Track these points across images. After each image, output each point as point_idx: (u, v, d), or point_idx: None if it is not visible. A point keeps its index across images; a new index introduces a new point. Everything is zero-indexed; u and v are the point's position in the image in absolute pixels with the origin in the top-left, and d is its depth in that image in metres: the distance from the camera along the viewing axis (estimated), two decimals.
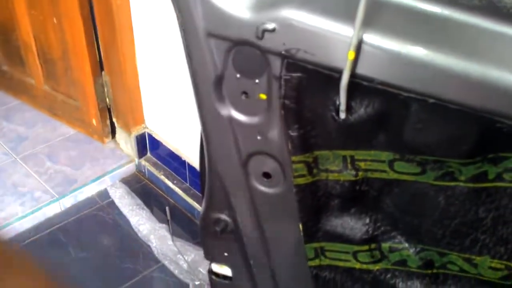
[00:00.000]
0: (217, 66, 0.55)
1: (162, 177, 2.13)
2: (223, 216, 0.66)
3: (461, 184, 0.51)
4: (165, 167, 2.14)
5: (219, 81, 0.55)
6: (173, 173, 2.10)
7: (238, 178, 0.61)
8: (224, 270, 0.77)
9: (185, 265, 1.85)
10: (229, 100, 0.55)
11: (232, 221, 0.66)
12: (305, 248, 0.63)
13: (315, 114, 0.52)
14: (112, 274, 1.83)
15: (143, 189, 2.16)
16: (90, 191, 2.09)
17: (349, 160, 0.55)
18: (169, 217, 1.99)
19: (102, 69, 2.07)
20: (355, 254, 0.61)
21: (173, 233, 1.94)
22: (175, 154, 2.03)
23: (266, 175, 0.59)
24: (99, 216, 2.04)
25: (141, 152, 2.18)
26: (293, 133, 0.54)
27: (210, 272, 0.79)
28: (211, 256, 0.74)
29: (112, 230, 1.98)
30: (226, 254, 0.71)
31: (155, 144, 2.13)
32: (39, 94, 2.33)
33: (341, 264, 0.63)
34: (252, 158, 0.59)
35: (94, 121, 2.19)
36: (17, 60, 2.31)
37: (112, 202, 2.08)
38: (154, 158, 2.19)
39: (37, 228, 1.95)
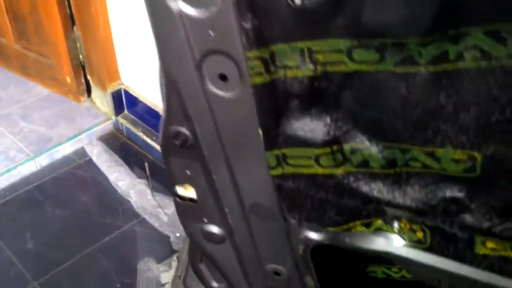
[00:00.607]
0: None
1: (140, 134, 2.10)
2: (183, 130, 0.64)
3: (422, 68, 0.49)
4: (143, 123, 2.10)
5: None
6: (151, 129, 2.07)
7: (193, 83, 0.58)
8: (189, 192, 0.75)
9: (165, 218, 1.84)
10: None
11: (191, 135, 0.64)
12: (267, 156, 0.61)
13: (269, 0, 0.49)
14: (92, 230, 1.81)
15: (122, 147, 2.13)
16: (66, 149, 2.05)
17: (306, 53, 0.52)
18: (148, 173, 1.97)
19: (73, 24, 2.01)
20: (317, 159, 0.60)
21: (153, 188, 1.92)
22: (153, 109, 1.99)
23: (223, 77, 0.57)
24: (76, 174, 2.01)
25: (118, 109, 2.14)
26: (247, 25, 0.51)
27: (175, 195, 0.77)
28: (174, 176, 0.72)
29: (91, 187, 1.96)
30: (188, 172, 0.69)
31: (132, 101, 2.09)
32: (11, 53, 2.26)
33: (303, 171, 0.61)
34: (206, 59, 0.56)
35: (68, 79, 2.14)
36: None
37: (90, 160, 2.05)
38: (131, 115, 2.15)
39: (13, 187, 1.92)
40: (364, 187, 0.60)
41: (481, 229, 0.58)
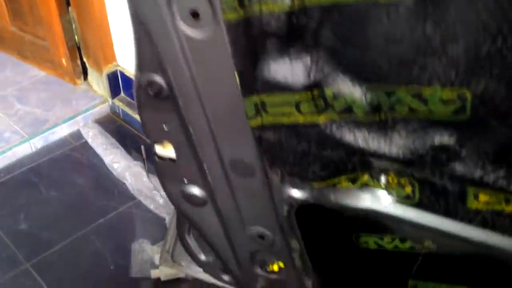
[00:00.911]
0: None
1: (137, 117, 2.06)
2: (156, 78, 0.60)
3: None
4: None
5: None
6: None
7: (164, 23, 0.54)
8: (168, 152, 0.72)
9: (161, 201, 1.81)
10: None
11: (166, 84, 0.60)
12: (245, 105, 0.58)
13: None
14: (86, 211, 1.78)
15: (118, 130, 2.09)
16: (62, 132, 2.02)
17: None
18: (144, 156, 1.94)
19: (68, 4, 1.98)
20: (297, 105, 0.56)
21: (149, 170, 1.89)
22: None
23: (194, 14, 0.53)
24: (72, 157, 1.98)
25: (114, 91, 2.11)
26: None
27: (154, 154, 0.73)
28: (150, 132, 0.69)
29: (86, 170, 1.93)
30: (165, 127, 0.66)
31: (128, 82, 2.06)
32: (7, 35, 2.24)
33: (284, 120, 0.58)
34: None
35: (64, 61, 2.11)
36: None
37: (86, 143, 2.02)
38: (128, 98, 2.11)
39: (7, 169, 1.89)
40: (348, 136, 0.56)
41: (473, 179, 0.54)
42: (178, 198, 0.76)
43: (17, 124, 1.99)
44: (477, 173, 0.53)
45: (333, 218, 0.89)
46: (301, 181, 0.63)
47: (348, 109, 0.55)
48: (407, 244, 0.86)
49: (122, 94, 2.12)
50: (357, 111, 0.54)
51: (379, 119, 0.54)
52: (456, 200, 0.57)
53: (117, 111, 2.13)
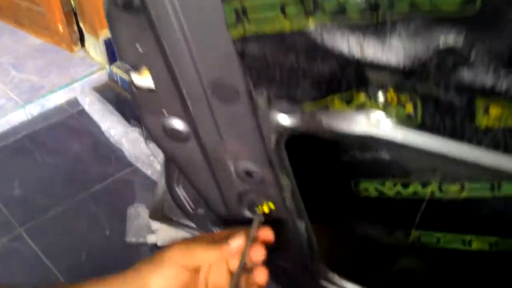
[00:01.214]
0: None
1: None
2: None
3: None
4: None
5: None
6: None
7: None
8: (147, 81, 0.66)
9: (158, 167, 1.76)
10: None
11: None
12: (225, 11, 0.51)
13: None
14: (82, 178, 1.74)
15: (117, 98, 2.04)
16: (58, 99, 1.98)
17: None
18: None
19: None
20: (283, 8, 0.49)
21: (147, 137, 1.84)
22: None
23: None
24: (68, 124, 1.93)
25: (112, 58, 2.05)
26: None
27: (131, 83, 0.67)
28: (124, 54, 0.63)
29: (82, 137, 1.89)
30: (140, 48, 0.60)
31: None
32: (3, 3, 2.19)
33: (268, 28, 0.51)
34: None
35: (60, 27, 2.05)
36: None
37: (83, 110, 1.97)
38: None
39: (2, 136, 1.85)
40: (341, 44, 0.50)
41: (483, 88, 0.47)
42: (159, 134, 0.70)
43: (12, 91, 1.95)
44: (488, 80, 0.46)
45: (330, 159, 0.83)
46: (289, 103, 0.57)
47: (341, 10, 0.48)
48: (410, 189, 0.79)
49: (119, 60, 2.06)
50: (350, 12, 0.48)
51: (376, 21, 0.47)
52: (463, 117, 0.50)
53: (115, 78, 2.07)
